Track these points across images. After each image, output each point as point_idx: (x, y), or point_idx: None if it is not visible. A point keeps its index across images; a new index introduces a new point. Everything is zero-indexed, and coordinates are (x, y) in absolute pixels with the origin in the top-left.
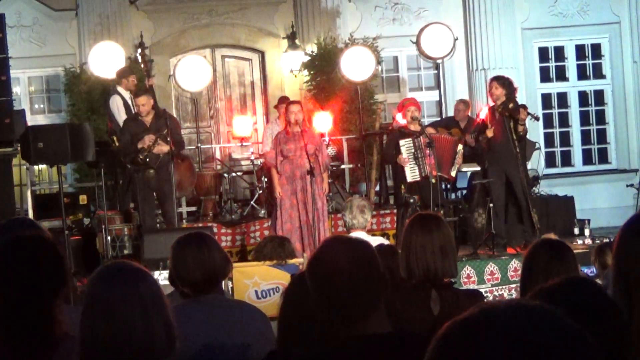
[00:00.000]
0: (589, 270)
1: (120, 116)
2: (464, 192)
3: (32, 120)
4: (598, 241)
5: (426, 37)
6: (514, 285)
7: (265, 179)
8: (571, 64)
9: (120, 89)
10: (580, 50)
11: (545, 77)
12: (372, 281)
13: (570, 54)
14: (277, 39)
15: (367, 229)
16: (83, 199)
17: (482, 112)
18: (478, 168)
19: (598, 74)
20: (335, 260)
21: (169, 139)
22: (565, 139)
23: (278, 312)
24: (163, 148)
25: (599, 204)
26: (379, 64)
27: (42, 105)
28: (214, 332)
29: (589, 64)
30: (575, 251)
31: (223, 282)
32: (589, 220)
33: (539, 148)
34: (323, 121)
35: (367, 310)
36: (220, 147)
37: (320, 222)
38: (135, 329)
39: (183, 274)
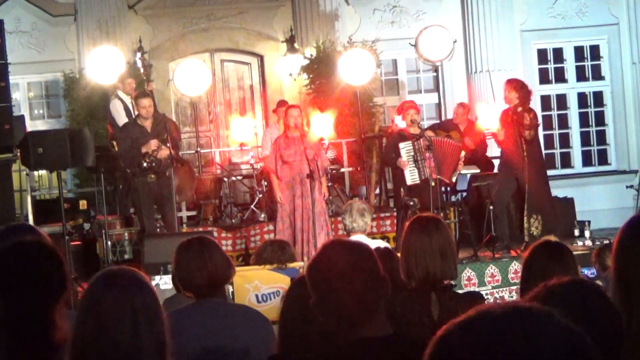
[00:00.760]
0: (589, 272)
1: (121, 120)
2: (464, 194)
3: (31, 125)
4: (598, 242)
5: (425, 39)
6: (514, 287)
7: (265, 183)
8: (570, 66)
9: (120, 93)
10: (579, 51)
11: (544, 78)
12: (372, 284)
13: (569, 55)
14: (276, 42)
15: (367, 232)
16: (83, 204)
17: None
18: (477, 170)
19: (597, 75)
20: (335, 264)
21: (168, 144)
22: (565, 140)
23: (279, 316)
24: (164, 152)
25: (599, 205)
26: (378, 67)
27: (41, 111)
28: (216, 336)
29: (587, 65)
30: (575, 253)
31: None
32: (589, 222)
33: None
34: (322, 124)
35: (367, 313)
36: (220, 151)
37: (319, 226)
38: (122, 340)
39: (186, 278)
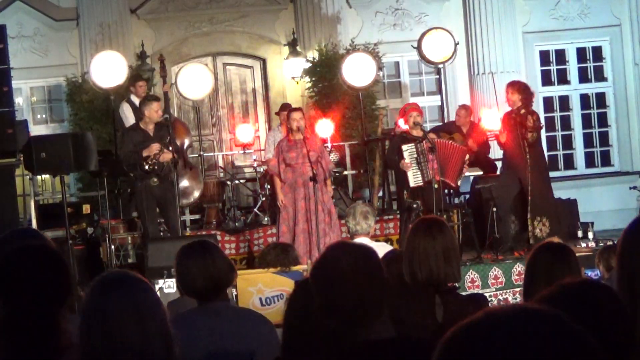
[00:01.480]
0: (593, 273)
1: (128, 124)
2: (467, 196)
3: (34, 130)
4: (602, 244)
5: (427, 42)
6: (518, 289)
7: (269, 186)
8: (572, 67)
9: (132, 96)
10: (581, 53)
11: (546, 80)
12: (375, 287)
13: (571, 57)
14: (279, 46)
15: (371, 235)
16: (86, 208)
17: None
18: (480, 172)
19: (599, 76)
20: (338, 266)
21: (170, 147)
22: (568, 142)
23: (282, 319)
24: (166, 156)
25: (602, 206)
26: (381, 70)
27: (44, 116)
28: (219, 340)
29: (590, 66)
30: (578, 254)
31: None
32: (592, 223)
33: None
34: (325, 127)
35: (370, 315)
36: (223, 154)
37: (328, 227)
38: (131, 341)
39: (188, 282)
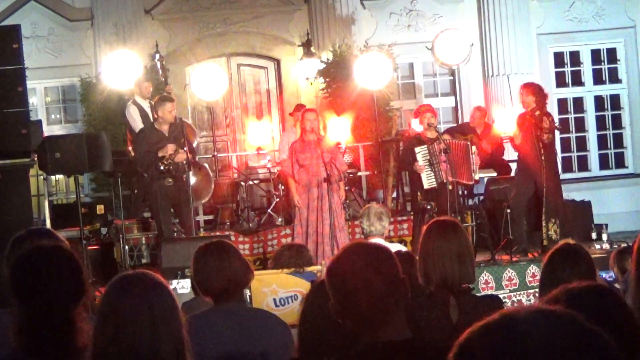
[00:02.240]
0: (607, 275)
1: (136, 126)
2: (481, 197)
3: (48, 130)
4: (616, 246)
5: (441, 43)
6: (532, 291)
7: (282, 187)
8: (587, 69)
9: (137, 97)
10: (595, 54)
11: (561, 82)
12: (391, 287)
13: (585, 58)
14: (293, 46)
15: (385, 236)
16: (100, 208)
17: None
18: (495, 174)
19: (614, 78)
20: (354, 266)
21: (185, 148)
22: (582, 143)
23: (298, 320)
24: (181, 156)
25: (616, 208)
26: (395, 71)
27: (58, 116)
28: (235, 340)
29: (604, 68)
30: (593, 256)
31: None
32: (606, 225)
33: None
34: (339, 128)
35: (386, 316)
36: (237, 155)
37: (337, 230)
38: (141, 343)
39: (204, 282)
